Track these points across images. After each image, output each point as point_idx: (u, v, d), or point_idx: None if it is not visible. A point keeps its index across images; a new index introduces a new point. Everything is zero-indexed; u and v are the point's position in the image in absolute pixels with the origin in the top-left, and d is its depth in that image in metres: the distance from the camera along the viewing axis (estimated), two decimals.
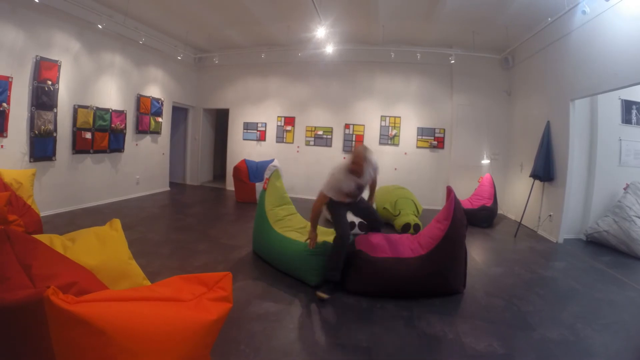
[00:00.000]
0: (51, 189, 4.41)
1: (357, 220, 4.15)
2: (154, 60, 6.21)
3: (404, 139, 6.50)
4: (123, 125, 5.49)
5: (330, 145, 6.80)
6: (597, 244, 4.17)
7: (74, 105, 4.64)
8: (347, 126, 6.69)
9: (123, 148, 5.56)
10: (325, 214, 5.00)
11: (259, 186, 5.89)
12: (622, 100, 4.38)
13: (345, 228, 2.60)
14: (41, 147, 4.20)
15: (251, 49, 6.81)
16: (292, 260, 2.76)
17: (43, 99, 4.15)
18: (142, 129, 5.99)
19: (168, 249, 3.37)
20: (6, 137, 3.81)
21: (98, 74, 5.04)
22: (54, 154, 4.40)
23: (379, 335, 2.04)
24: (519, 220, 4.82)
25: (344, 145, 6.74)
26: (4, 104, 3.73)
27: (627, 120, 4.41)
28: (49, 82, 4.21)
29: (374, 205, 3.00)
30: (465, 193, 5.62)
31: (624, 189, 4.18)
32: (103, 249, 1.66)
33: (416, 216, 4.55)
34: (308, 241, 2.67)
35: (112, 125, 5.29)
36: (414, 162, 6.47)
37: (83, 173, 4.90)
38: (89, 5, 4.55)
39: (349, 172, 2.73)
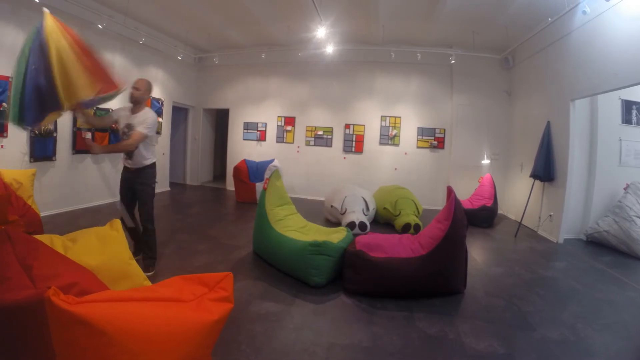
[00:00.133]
0: (51, 189, 4.41)
1: (357, 220, 4.16)
2: (154, 60, 6.21)
3: (404, 139, 6.51)
4: None
5: (331, 146, 6.80)
6: (598, 244, 4.17)
7: None
8: (347, 126, 6.69)
9: None
10: (326, 213, 5.01)
11: (259, 186, 5.89)
12: (622, 100, 4.38)
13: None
14: (41, 147, 4.20)
15: (251, 49, 6.81)
16: (292, 260, 2.76)
17: None
18: None
19: (168, 249, 3.37)
20: (6, 137, 3.81)
21: None
22: (54, 154, 4.40)
23: (379, 335, 2.04)
24: (519, 221, 4.82)
25: (344, 146, 6.74)
26: (4, 104, 3.72)
27: (627, 120, 4.42)
28: None
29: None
30: (465, 193, 5.62)
31: (624, 189, 4.18)
32: (104, 250, 1.66)
33: (416, 216, 4.55)
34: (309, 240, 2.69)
35: (112, 125, 5.28)
36: (414, 162, 6.48)
37: (83, 173, 4.90)
38: (89, 6, 4.54)
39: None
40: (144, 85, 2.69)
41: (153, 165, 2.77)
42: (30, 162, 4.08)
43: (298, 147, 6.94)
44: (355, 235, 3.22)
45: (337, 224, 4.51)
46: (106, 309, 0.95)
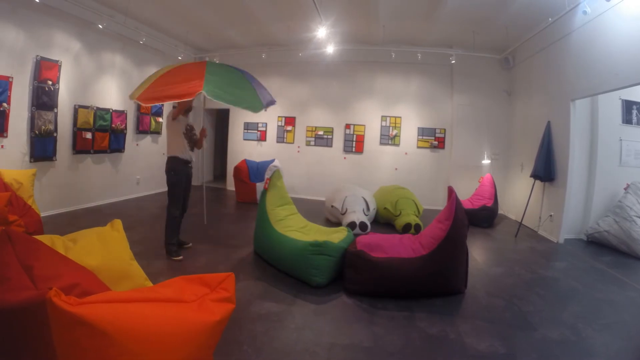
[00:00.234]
0: (51, 189, 4.40)
1: (357, 220, 4.16)
2: (155, 60, 6.21)
3: (405, 139, 6.50)
4: (123, 125, 5.49)
5: (331, 146, 6.80)
6: (598, 244, 4.17)
7: (75, 105, 4.63)
8: (347, 126, 6.69)
9: (123, 148, 5.55)
10: (326, 213, 5.00)
11: (259, 186, 5.89)
12: (622, 100, 4.38)
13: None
14: (41, 147, 4.19)
15: (252, 49, 6.81)
16: (293, 260, 2.76)
17: (43, 99, 4.15)
18: (142, 129, 5.99)
19: None
20: (6, 137, 3.80)
21: (98, 74, 5.03)
22: (55, 154, 4.39)
23: (380, 335, 2.04)
24: (519, 221, 4.82)
25: (344, 146, 6.74)
26: (4, 104, 3.72)
27: (627, 120, 4.42)
28: (50, 82, 4.21)
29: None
30: (465, 193, 5.62)
31: (625, 189, 4.19)
32: (104, 250, 1.66)
33: (417, 216, 4.55)
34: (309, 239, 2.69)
35: (113, 126, 5.28)
36: (415, 162, 6.48)
37: (83, 173, 4.90)
38: (89, 5, 4.54)
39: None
40: None
41: None
42: (31, 162, 4.08)
43: (298, 147, 6.94)
44: (356, 235, 3.22)
45: (338, 224, 4.51)
46: (108, 310, 0.95)
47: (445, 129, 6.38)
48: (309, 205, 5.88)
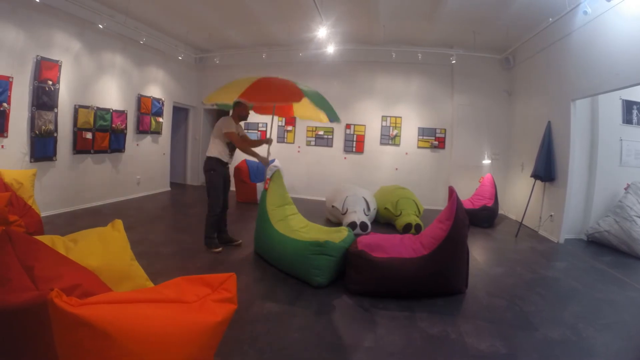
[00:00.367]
0: (52, 189, 4.40)
1: (358, 220, 4.16)
2: (155, 60, 6.21)
3: (405, 139, 6.50)
4: (124, 125, 5.49)
5: (331, 146, 6.80)
6: (598, 244, 4.17)
7: (75, 105, 4.63)
8: (348, 126, 6.69)
9: (124, 148, 5.55)
10: (327, 214, 5.00)
11: (259, 186, 5.89)
12: (622, 100, 4.38)
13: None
14: (42, 147, 4.19)
15: (252, 49, 6.81)
16: (294, 260, 2.76)
17: (44, 99, 4.15)
18: (142, 129, 5.99)
19: (169, 249, 3.37)
20: (7, 137, 3.80)
21: (99, 74, 5.03)
22: (55, 154, 4.39)
23: (381, 335, 2.04)
24: (520, 221, 4.82)
25: (344, 146, 6.74)
26: (5, 104, 3.72)
27: (628, 120, 4.42)
28: (50, 82, 4.21)
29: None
30: (466, 193, 5.62)
31: (625, 189, 4.19)
32: (105, 250, 1.65)
33: (417, 216, 4.55)
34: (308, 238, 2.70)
35: (113, 126, 5.28)
36: (415, 162, 6.48)
37: (84, 173, 4.90)
38: (89, 5, 4.54)
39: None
40: None
41: None
42: (31, 162, 4.08)
43: (299, 147, 6.94)
44: (357, 235, 3.22)
45: (338, 224, 4.51)
46: (109, 311, 0.95)
47: (445, 129, 6.38)
48: (310, 205, 5.88)
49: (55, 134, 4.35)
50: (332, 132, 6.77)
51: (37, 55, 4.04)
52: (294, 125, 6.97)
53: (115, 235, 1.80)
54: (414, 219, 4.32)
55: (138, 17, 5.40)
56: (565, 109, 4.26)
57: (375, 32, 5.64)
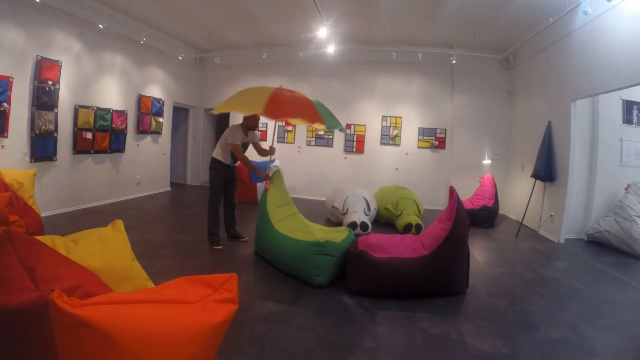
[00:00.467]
0: (52, 190, 4.40)
1: (358, 220, 4.16)
2: (155, 60, 6.21)
3: (405, 139, 6.50)
4: (124, 125, 5.49)
5: (332, 146, 6.80)
6: (599, 244, 4.17)
7: (75, 105, 4.63)
8: (348, 126, 6.69)
9: (124, 148, 5.55)
10: (327, 214, 5.00)
11: (260, 186, 5.89)
12: (623, 100, 4.38)
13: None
14: (42, 147, 4.19)
15: (252, 49, 6.81)
16: (294, 261, 2.76)
17: (44, 99, 4.14)
18: (143, 129, 5.98)
19: (169, 249, 3.37)
20: (7, 137, 3.80)
21: (99, 74, 5.03)
22: (55, 154, 4.39)
23: (382, 335, 2.04)
24: (520, 221, 4.82)
25: (345, 146, 6.74)
26: (5, 104, 3.72)
27: (628, 120, 4.42)
28: (50, 82, 4.20)
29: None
30: (466, 193, 5.62)
31: (625, 189, 4.19)
32: (106, 251, 1.65)
33: (418, 216, 4.55)
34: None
35: (113, 126, 5.28)
36: (415, 162, 6.47)
37: (84, 173, 4.90)
38: (89, 5, 4.54)
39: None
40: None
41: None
42: (31, 162, 4.07)
43: (299, 147, 6.94)
44: (357, 235, 3.22)
45: (339, 224, 4.51)
46: (110, 312, 0.95)
47: (445, 129, 6.38)
48: (310, 206, 5.88)
49: (55, 134, 4.35)
50: (333, 132, 6.77)
51: (37, 55, 4.04)
52: (294, 125, 6.96)
53: (115, 235, 1.80)
54: (414, 219, 4.32)
55: (138, 17, 5.40)
56: (566, 109, 4.26)
57: (375, 32, 5.64)
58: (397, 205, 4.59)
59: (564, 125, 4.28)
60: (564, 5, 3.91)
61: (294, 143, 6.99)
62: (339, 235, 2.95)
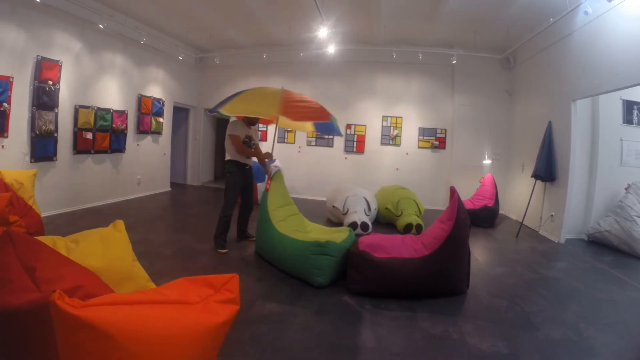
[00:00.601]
0: (52, 190, 4.40)
1: (359, 220, 4.15)
2: (155, 60, 6.20)
3: (406, 139, 6.50)
4: (124, 125, 5.49)
5: (332, 146, 6.80)
6: (599, 244, 4.17)
7: (75, 105, 4.63)
8: (348, 126, 6.69)
9: (124, 148, 5.55)
10: (327, 214, 5.00)
11: (260, 187, 5.87)
12: (623, 100, 4.38)
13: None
14: (42, 147, 4.19)
15: (252, 49, 6.81)
16: (295, 261, 2.76)
17: (44, 99, 4.14)
18: (143, 129, 5.98)
19: (170, 249, 3.37)
20: (7, 137, 3.80)
21: (99, 74, 5.03)
22: (55, 154, 4.39)
23: (382, 335, 2.04)
24: (520, 221, 4.82)
25: (345, 146, 6.74)
26: (5, 104, 3.72)
27: (628, 120, 4.42)
28: (50, 82, 4.20)
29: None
30: (466, 193, 5.61)
31: (626, 189, 4.19)
32: (107, 251, 1.65)
33: (418, 216, 4.55)
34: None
35: (113, 126, 5.28)
36: (415, 162, 6.47)
37: (84, 173, 4.89)
38: (90, 5, 4.53)
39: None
40: None
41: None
42: (31, 162, 4.07)
43: (299, 147, 6.94)
44: (358, 235, 3.21)
45: (339, 224, 4.51)
46: (111, 313, 0.95)
47: (446, 129, 6.38)
48: (310, 206, 5.88)
49: (55, 134, 4.35)
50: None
51: (38, 55, 4.03)
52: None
53: (116, 235, 1.80)
54: (414, 219, 4.32)
55: (138, 17, 5.40)
56: (566, 109, 4.26)
57: (375, 32, 5.64)
58: (398, 205, 4.59)
59: (564, 125, 4.28)
60: (565, 6, 3.91)
61: (294, 143, 6.99)
62: (339, 235, 2.95)
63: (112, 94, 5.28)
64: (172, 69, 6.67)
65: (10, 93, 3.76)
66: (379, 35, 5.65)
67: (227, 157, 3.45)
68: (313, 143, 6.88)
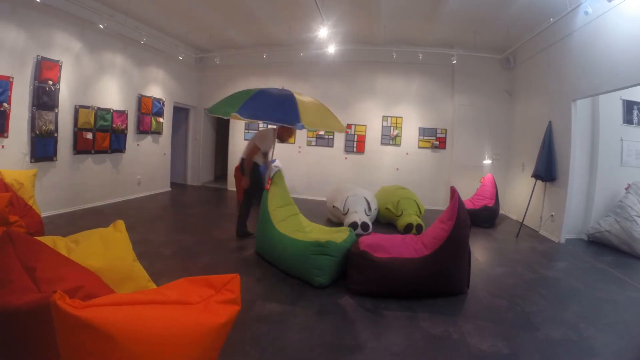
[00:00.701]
0: (52, 190, 4.40)
1: (359, 220, 4.15)
2: (155, 60, 6.20)
3: (406, 139, 6.50)
4: (124, 125, 5.48)
5: (332, 146, 6.80)
6: (599, 244, 4.17)
7: (75, 105, 4.63)
8: (348, 126, 6.68)
9: (124, 148, 5.55)
10: (328, 214, 5.00)
11: None
12: (623, 100, 4.38)
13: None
14: (42, 147, 4.19)
15: (252, 49, 6.80)
16: (295, 261, 2.76)
17: (44, 99, 4.14)
18: (143, 129, 5.98)
19: (170, 250, 3.37)
20: (7, 137, 3.80)
21: (99, 74, 5.03)
22: (55, 154, 4.39)
23: (383, 335, 2.04)
24: (520, 221, 4.82)
25: (345, 146, 6.73)
26: (5, 104, 3.71)
27: (628, 120, 4.42)
28: (50, 82, 4.20)
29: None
30: (467, 193, 5.61)
31: (626, 189, 4.19)
32: (107, 251, 1.65)
33: (418, 216, 4.55)
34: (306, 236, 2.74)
35: (113, 126, 5.28)
36: (416, 162, 6.47)
37: (84, 173, 4.89)
38: (90, 5, 4.53)
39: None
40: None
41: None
42: (31, 162, 4.07)
43: (299, 147, 6.93)
44: (358, 235, 3.21)
45: (339, 224, 4.51)
46: (112, 313, 0.95)
47: (446, 129, 6.38)
48: (310, 206, 5.88)
49: (55, 134, 4.35)
50: (333, 132, 6.76)
51: (38, 55, 4.03)
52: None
53: (117, 236, 1.80)
54: (415, 219, 4.32)
55: (138, 17, 5.40)
56: (566, 109, 4.26)
57: (375, 32, 5.64)
58: (398, 205, 4.59)
59: (565, 125, 4.28)
60: (565, 6, 3.91)
61: (294, 143, 6.98)
62: (340, 235, 2.95)
63: (112, 94, 5.28)
64: (172, 69, 6.67)
65: (10, 93, 3.76)
66: (379, 35, 5.65)
67: (253, 159, 3.66)
68: (313, 143, 6.88)
